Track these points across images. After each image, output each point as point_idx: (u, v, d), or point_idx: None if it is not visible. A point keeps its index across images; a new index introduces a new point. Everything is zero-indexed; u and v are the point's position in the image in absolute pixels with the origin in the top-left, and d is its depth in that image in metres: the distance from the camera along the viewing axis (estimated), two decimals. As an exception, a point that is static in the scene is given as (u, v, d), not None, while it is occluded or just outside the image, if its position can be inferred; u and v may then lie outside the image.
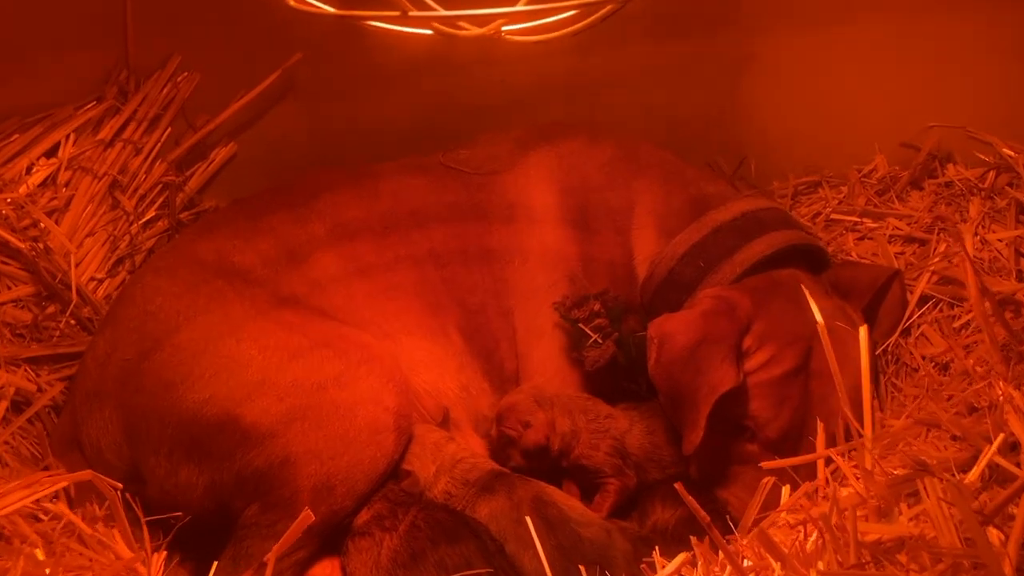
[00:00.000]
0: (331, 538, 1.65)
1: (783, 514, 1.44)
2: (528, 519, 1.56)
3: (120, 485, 1.45)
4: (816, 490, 1.47)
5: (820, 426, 1.53)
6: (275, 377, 1.60)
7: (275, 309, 1.72)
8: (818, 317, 1.45)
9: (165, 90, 2.24)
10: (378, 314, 1.83)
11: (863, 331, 1.46)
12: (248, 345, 1.62)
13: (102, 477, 1.42)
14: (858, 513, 1.20)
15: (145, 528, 1.49)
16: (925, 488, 1.18)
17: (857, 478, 1.33)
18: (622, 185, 1.97)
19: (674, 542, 1.64)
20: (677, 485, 1.36)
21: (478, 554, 1.58)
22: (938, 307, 1.87)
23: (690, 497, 1.32)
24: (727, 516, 1.60)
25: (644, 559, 1.48)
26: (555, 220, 1.94)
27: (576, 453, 1.80)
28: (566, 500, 1.71)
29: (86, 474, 1.44)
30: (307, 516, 1.36)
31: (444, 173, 1.98)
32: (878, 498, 1.23)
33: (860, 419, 1.43)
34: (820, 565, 1.16)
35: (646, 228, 1.95)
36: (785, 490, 1.49)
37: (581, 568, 1.47)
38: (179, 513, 1.56)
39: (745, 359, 1.70)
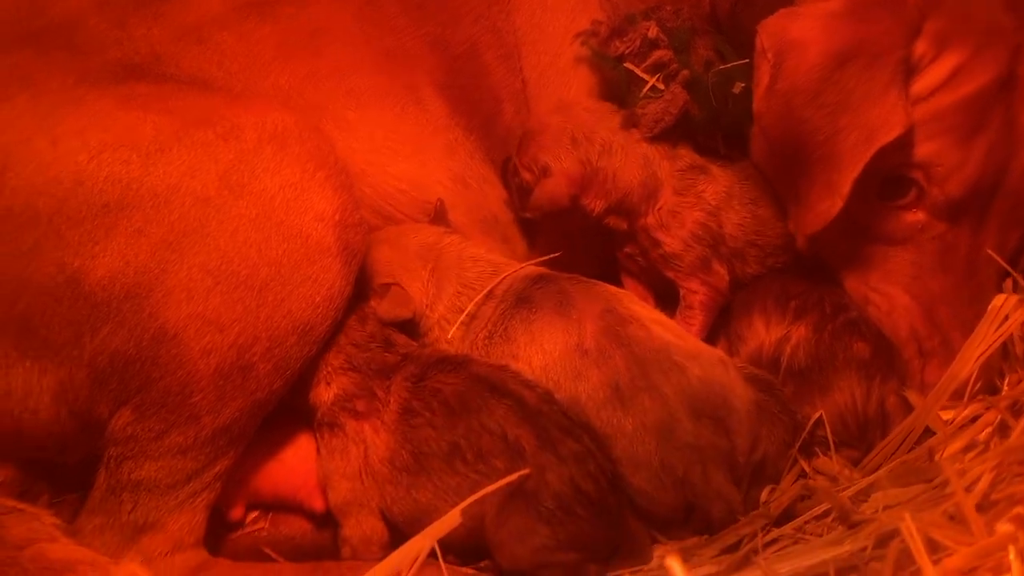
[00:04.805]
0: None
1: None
2: (596, 346, 1.04)
3: None
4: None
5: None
6: (123, 195, 0.98)
7: (116, 82, 1.09)
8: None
9: None
10: (300, 78, 1.20)
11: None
12: (72, 146, 0.99)
13: None
14: None
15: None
16: None
17: None
18: None
19: (805, 384, 1.12)
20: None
21: (512, 416, 1.00)
22: None
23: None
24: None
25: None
26: None
27: (647, 221, 1.20)
28: (651, 313, 1.11)
29: None
30: None
31: None
32: None
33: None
34: None
35: None
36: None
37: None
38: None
39: (916, 76, 1.09)
